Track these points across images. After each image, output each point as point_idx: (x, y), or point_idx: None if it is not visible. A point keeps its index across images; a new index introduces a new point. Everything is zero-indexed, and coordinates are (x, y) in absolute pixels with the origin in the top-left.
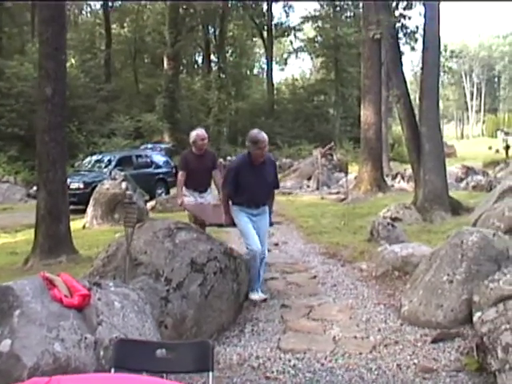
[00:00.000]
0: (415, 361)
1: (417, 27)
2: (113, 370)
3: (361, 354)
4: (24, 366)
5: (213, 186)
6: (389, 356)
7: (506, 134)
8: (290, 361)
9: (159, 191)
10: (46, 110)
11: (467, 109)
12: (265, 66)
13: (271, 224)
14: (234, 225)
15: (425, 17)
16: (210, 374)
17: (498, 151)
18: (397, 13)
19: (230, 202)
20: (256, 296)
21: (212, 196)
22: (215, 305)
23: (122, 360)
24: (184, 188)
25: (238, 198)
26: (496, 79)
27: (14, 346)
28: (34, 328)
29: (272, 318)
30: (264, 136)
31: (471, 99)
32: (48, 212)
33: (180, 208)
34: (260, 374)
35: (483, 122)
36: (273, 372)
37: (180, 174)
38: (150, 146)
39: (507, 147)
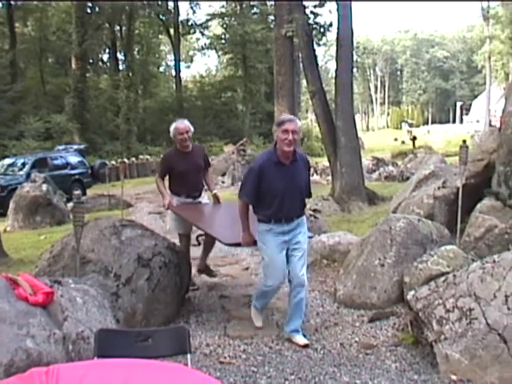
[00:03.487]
0: (356, 339)
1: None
2: (96, 359)
3: (304, 336)
4: None
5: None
6: (331, 336)
7: (410, 125)
8: (239, 346)
9: (76, 192)
10: None
11: (372, 101)
12: (171, 64)
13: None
14: (254, 243)
15: (338, 15)
16: (189, 355)
17: (403, 142)
18: (307, 11)
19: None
20: (302, 341)
21: (207, 199)
22: (161, 298)
23: (104, 349)
24: (175, 198)
25: (262, 211)
26: (399, 72)
27: None
28: (5, 327)
29: (214, 308)
30: (292, 118)
31: (375, 92)
32: None
33: (101, 207)
34: (214, 360)
35: (388, 114)
36: (225, 357)
37: (156, 176)
38: (62, 147)
39: (414, 138)
